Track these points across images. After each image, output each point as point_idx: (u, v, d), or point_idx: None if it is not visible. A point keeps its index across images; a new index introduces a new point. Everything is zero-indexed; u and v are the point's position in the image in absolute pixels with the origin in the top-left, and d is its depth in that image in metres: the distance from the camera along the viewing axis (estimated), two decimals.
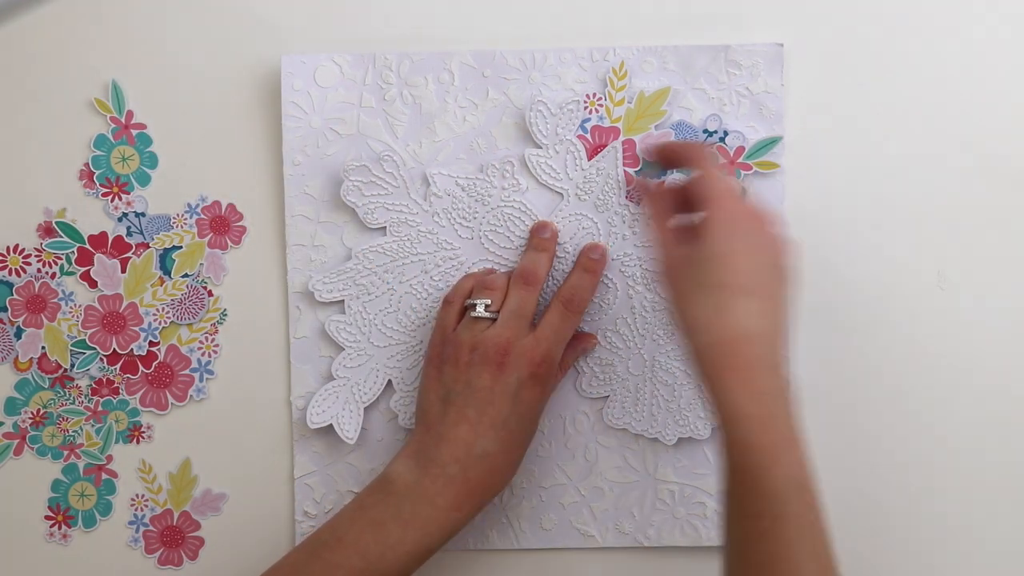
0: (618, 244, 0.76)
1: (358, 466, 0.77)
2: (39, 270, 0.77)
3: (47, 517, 0.78)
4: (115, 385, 0.77)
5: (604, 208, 0.76)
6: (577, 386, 0.76)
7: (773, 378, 0.62)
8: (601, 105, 0.76)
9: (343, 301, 0.76)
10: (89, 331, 0.77)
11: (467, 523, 0.69)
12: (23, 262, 0.77)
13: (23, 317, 0.77)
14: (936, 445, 0.77)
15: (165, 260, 0.77)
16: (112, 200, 0.77)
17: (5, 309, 0.77)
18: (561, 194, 0.76)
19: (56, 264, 0.77)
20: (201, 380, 0.77)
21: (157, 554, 0.78)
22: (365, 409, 0.76)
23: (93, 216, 0.77)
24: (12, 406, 0.78)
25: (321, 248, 0.76)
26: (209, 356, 0.78)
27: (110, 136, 0.77)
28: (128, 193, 0.77)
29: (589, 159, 0.76)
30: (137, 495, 0.78)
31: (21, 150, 0.77)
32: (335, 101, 0.76)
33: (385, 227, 0.76)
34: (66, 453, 0.78)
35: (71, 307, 0.77)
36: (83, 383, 0.77)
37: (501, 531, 0.77)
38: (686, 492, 0.76)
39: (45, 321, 0.77)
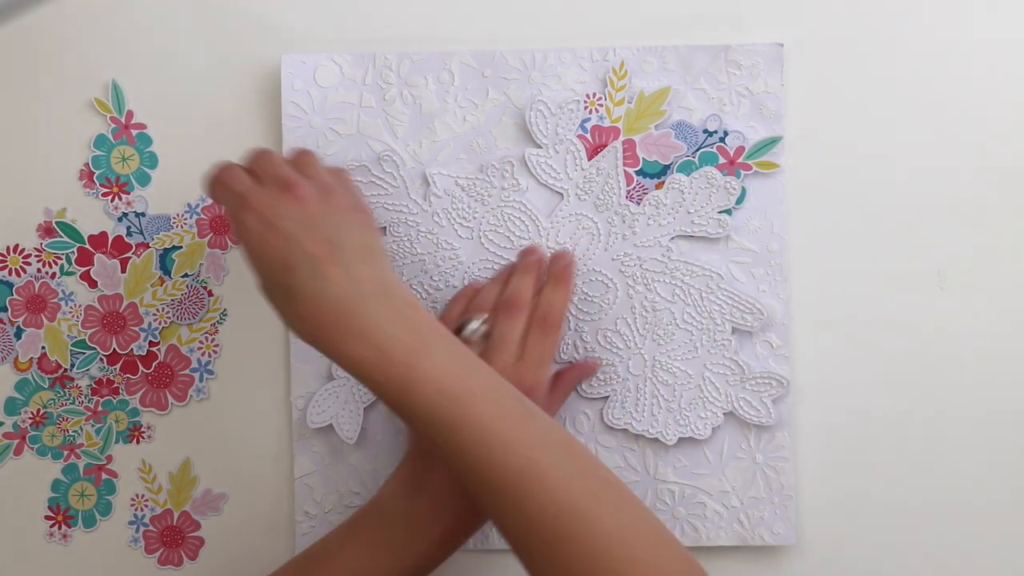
0: (618, 244, 0.76)
1: (358, 466, 0.77)
2: (39, 270, 0.77)
3: (47, 517, 0.78)
4: (115, 385, 0.77)
5: (604, 208, 0.76)
6: (577, 386, 0.76)
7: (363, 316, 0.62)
8: (601, 105, 0.76)
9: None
10: (89, 331, 0.77)
11: (460, 547, 0.68)
12: (23, 262, 0.77)
13: (23, 317, 0.77)
14: (936, 445, 0.77)
15: (165, 260, 0.77)
16: (112, 200, 0.77)
17: (5, 309, 0.77)
18: (561, 194, 0.76)
19: (56, 264, 0.77)
20: (201, 380, 0.77)
21: (157, 554, 0.78)
22: (365, 409, 0.76)
23: (93, 216, 0.77)
24: (12, 406, 0.78)
25: None
26: (209, 356, 0.78)
27: (110, 136, 0.77)
28: (128, 193, 0.77)
29: (589, 159, 0.76)
30: (137, 495, 0.78)
31: (21, 150, 0.77)
32: (335, 101, 0.76)
33: (385, 227, 0.76)
34: (66, 453, 0.78)
35: (71, 307, 0.77)
36: (83, 383, 0.77)
37: None
38: (686, 492, 0.76)
39: (45, 321, 0.77)
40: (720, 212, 0.75)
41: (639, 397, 0.76)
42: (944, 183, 0.76)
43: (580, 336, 0.76)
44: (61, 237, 0.77)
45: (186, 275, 0.77)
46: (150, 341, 0.77)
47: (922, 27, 0.77)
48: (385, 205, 0.76)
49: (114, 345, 0.77)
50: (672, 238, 0.76)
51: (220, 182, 0.66)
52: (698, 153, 0.76)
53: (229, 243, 0.77)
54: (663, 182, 0.76)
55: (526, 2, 0.77)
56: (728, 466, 0.76)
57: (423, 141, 0.76)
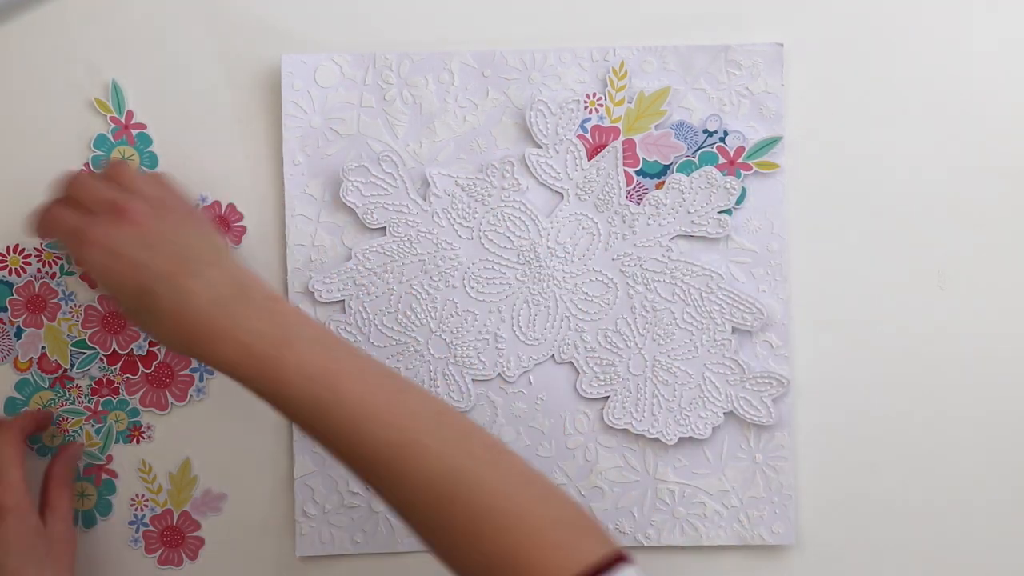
0: (618, 244, 0.76)
1: None
2: (39, 270, 0.77)
3: None
4: (115, 385, 0.77)
5: (604, 208, 0.76)
6: (577, 386, 0.76)
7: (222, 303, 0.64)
8: (601, 105, 0.76)
9: (343, 301, 0.76)
10: (89, 331, 0.77)
11: None
12: (23, 262, 0.77)
13: (23, 317, 0.77)
14: (936, 445, 0.77)
15: None
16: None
17: (5, 309, 0.77)
18: (561, 194, 0.76)
19: (56, 264, 0.77)
20: (201, 380, 0.77)
21: (157, 554, 0.78)
22: None
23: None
24: (12, 406, 0.78)
25: (321, 248, 0.76)
26: None
27: (110, 136, 0.77)
28: None
29: (589, 159, 0.76)
30: (137, 495, 0.78)
31: (21, 150, 0.77)
32: (335, 101, 0.76)
33: (385, 227, 0.76)
34: None
35: (71, 307, 0.77)
36: (83, 383, 0.77)
37: None
38: (686, 492, 0.76)
39: (45, 321, 0.77)
40: (720, 212, 0.75)
41: (639, 397, 0.76)
42: (944, 183, 0.76)
43: (580, 336, 0.76)
44: None
45: None
46: (150, 341, 0.77)
47: (922, 27, 0.77)
48: (385, 205, 0.76)
49: (114, 345, 0.77)
50: (672, 238, 0.76)
51: (48, 222, 0.67)
52: (698, 153, 0.76)
53: (229, 243, 0.77)
54: (663, 182, 0.76)
55: (526, 2, 0.77)
56: (728, 466, 0.76)
57: (423, 141, 0.76)
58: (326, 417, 0.62)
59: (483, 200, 0.76)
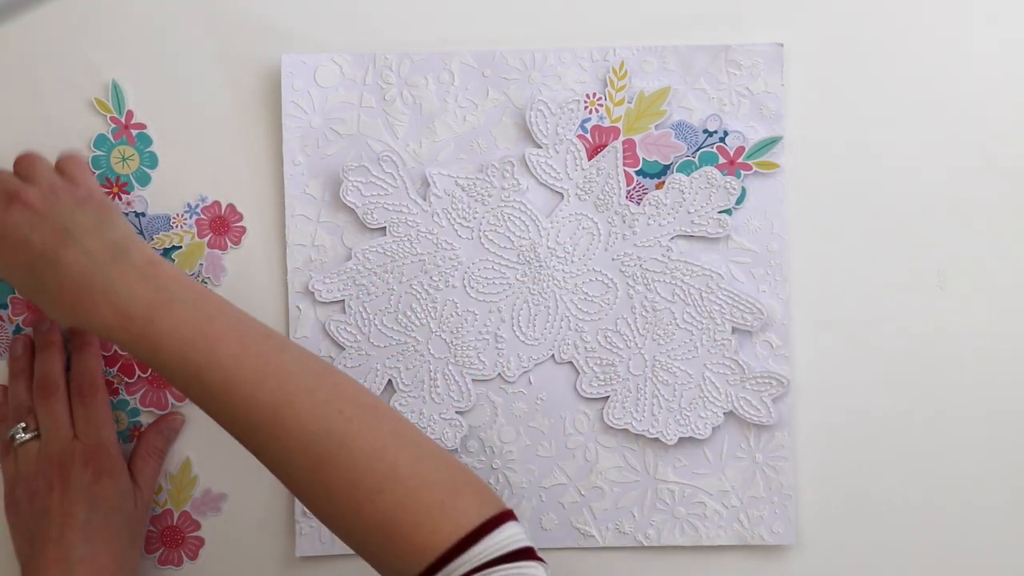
0: (618, 244, 0.76)
1: None
2: None
3: None
4: (115, 385, 0.77)
5: (604, 208, 0.76)
6: (577, 386, 0.76)
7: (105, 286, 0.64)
8: (601, 105, 0.76)
9: (343, 301, 0.76)
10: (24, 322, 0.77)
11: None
12: None
13: (23, 316, 0.77)
14: (936, 445, 0.77)
15: None
16: (112, 200, 0.77)
17: (5, 307, 0.77)
18: (561, 194, 0.76)
19: None
20: None
21: (157, 554, 0.78)
22: None
23: None
24: None
25: (321, 248, 0.76)
26: None
27: (110, 136, 0.77)
28: (128, 193, 0.77)
29: (589, 159, 0.76)
30: None
31: (21, 150, 0.77)
32: (335, 101, 0.76)
33: (385, 227, 0.76)
34: None
35: None
36: None
37: None
38: (686, 492, 0.76)
39: None
40: (720, 212, 0.76)
41: (639, 397, 0.76)
42: (944, 183, 0.76)
43: (580, 336, 0.76)
44: None
45: None
46: None
47: (922, 27, 0.77)
48: (385, 205, 0.76)
49: (114, 346, 0.77)
50: (672, 238, 0.76)
51: None
52: (698, 153, 0.76)
53: (229, 243, 0.77)
54: (663, 182, 0.76)
55: (526, 2, 0.77)
56: (728, 466, 0.76)
57: (423, 141, 0.76)
58: (200, 379, 0.63)
59: (483, 200, 0.76)
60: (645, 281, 0.76)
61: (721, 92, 0.76)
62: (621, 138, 0.76)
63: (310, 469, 0.62)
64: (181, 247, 0.77)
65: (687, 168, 0.76)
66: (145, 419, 0.77)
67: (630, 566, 0.77)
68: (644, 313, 0.76)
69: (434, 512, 0.61)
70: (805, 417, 0.76)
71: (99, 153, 0.77)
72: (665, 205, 0.76)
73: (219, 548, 0.78)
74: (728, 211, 0.76)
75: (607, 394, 0.76)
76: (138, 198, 0.77)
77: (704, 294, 0.76)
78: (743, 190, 0.76)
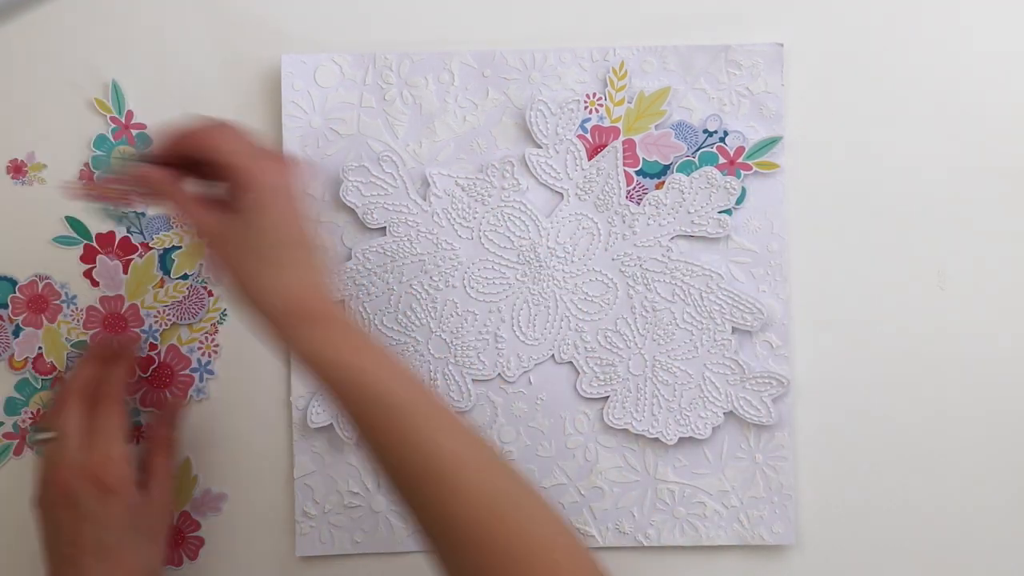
0: (618, 244, 0.76)
1: (358, 466, 0.77)
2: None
3: None
4: None
5: (604, 208, 0.76)
6: (577, 386, 0.76)
7: (336, 311, 0.63)
8: (601, 105, 0.76)
9: (343, 301, 0.76)
10: (91, 332, 0.77)
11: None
12: None
13: (23, 316, 0.77)
14: (936, 445, 0.77)
15: (165, 260, 0.77)
16: None
17: (6, 306, 0.77)
18: (561, 194, 0.76)
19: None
20: (201, 380, 0.77)
21: None
22: None
23: (93, 216, 0.77)
24: (12, 406, 0.78)
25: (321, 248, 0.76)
26: (209, 356, 0.78)
27: (110, 136, 0.77)
28: None
29: (589, 159, 0.76)
30: None
31: (21, 150, 0.77)
32: (335, 101, 0.76)
33: (385, 227, 0.76)
34: None
35: (72, 310, 0.77)
36: None
37: None
38: (686, 492, 0.76)
39: (45, 322, 0.77)
40: (720, 212, 0.76)
41: (639, 397, 0.76)
42: (944, 183, 0.76)
43: (580, 336, 0.76)
44: (69, 233, 0.77)
45: (185, 275, 0.77)
46: (150, 344, 0.77)
47: (922, 27, 0.77)
48: (385, 205, 0.76)
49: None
50: (672, 238, 0.76)
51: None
52: (698, 153, 0.76)
53: None
54: (663, 182, 0.76)
55: (526, 2, 0.77)
56: (728, 466, 0.76)
57: (423, 141, 0.76)
58: (389, 420, 0.62)
59: (483, 200, 0.76)
60: (645, 281, 0.76)
61: (721, 92, 0.76)
62: (621, 138, 0.76)
63: (478, 526, 0.60)
64: (181, 247, 0.77)
65: (687, 168, 0.76)
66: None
67: (630, 566, 0.77)
68: (644, 313, 0.76)
69: None
70: (805, 417, 0.77)
71: (99, 153, 0.77)
72: (665, 205, 0.76)
73: (219, 548, 0.78)
74: (728, 211, 0.76)
75: (607, 394, 0.76)
76: None
77: (704, 294, 0.76)
78: (743, 190, 0.76)
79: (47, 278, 0.77)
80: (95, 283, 0.77)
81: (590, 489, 0.77)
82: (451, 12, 0.77)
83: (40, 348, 0.77)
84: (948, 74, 0.77)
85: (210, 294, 0.77)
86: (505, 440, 0.76)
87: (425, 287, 0.76)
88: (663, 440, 0.76)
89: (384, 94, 0.76)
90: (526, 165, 0.76)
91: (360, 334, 0.63)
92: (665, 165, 0.76)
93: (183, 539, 0.78)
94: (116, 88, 0.77)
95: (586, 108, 0.76)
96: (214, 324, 0.78)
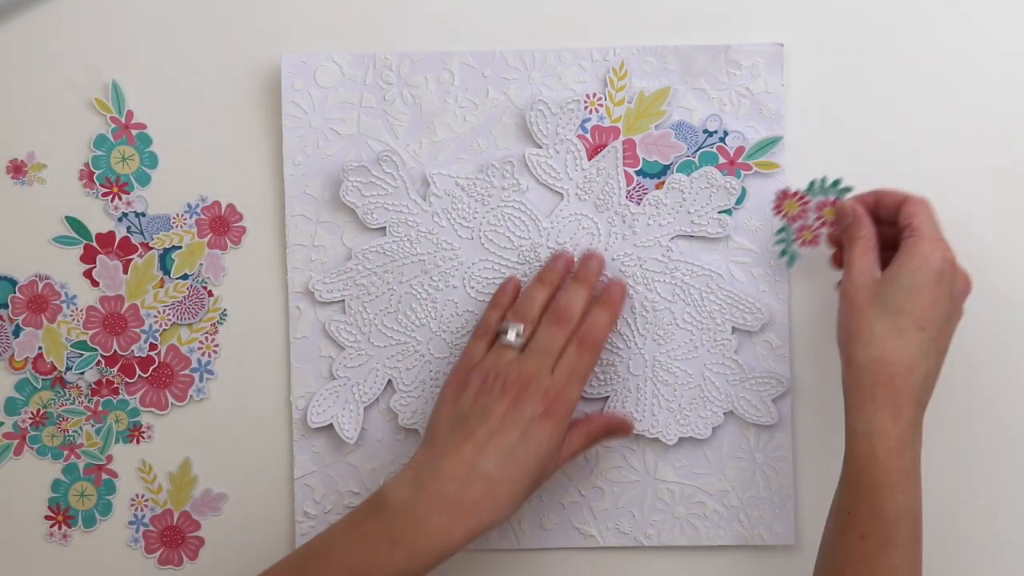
0: (618, 244, 0.76)
1: (358, 466, 0.77)
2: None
3: (47, 517, 0.78)
4: (115, 385, 0.77)
5: (604, 208, 0.76)
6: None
7: (917, 411, 0.67)
8: (601, 105, 0.76)
9: (343, 301, 0.76)
10: (91, 332, 0.77)
11: (458, 549, 0.67)
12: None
13: (23, 316, 0.77)
14: (936, 445, 0.76)
15: (165, 260, 0.77)
16: (112, 200, 0.77)
17: (6, 306, 0.77)
18: (561, 194, 0.76)
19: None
20: (201, 380, 0.77)
21: (157, 554, 0.78)
22: (365, 409, 0.76)
23: (95, 216, 0.77)
24: (12, 406, 0.78)
25: (321, 248, 0.76)
26: (209, 356, 0.78)
27: (110, 136, 0.77)
28: (128, 193, 0.77)
29: (589, 159, 0.76)
30: (137, 495, 0.78)
31: (22, 150, 0.77)
32: (335, 101, 0.76)
33: (385, 227, 0.76)
34: (66, 453, 0.78)
35: (72, 310, 0.77)
36: (83, 383, 0.77)
37: (501, 531, 0.77)
38: (686, 492, 0.76)
39: (45, 322, 0.77)
40: (720, 212, 0.76)
41: (639, 397, 0.76)
42: (944, 183, 0.76)
43: None
44: (69, 233, 0.77)
45: (185, 275, 0.77)
46: (150, 344, 0.77)
47: (922, 27, 0.77)
48: (385, 205, 0.76)
49: (115, 347, 0.77)
50: (672, 238, 0.76)
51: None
52: (698, 153, 0.76)
53: (229, 243, 0.77)
54: (663, 182, 0.76)
55: (526, 2, 0.77)
56: (728, 466, 0.76)
57: (423, 141, 0.76)
58: (876, 544, 0.66)
59: (483, 200, 0.76)
60: (645, 281, 0.76)
61: (721, 92, 0.76)
62: (621, 138, 0.76)
63: None
64: (181, 247, 0.77)
65: (687, 168, 0.76)
66: (145, 419, 0.77)
67: (630, 566, 0.77)
68: (644, 313, 0.76)
69: None
70: (805, 417, 0.76)
71: (99, 153, 0.77)
72: (665, 205, 0.76)
73: (219, 548, 0.78)
74: (728, 211, 0.76)
75: (607, 394, 0.76)
76: (138, 198, 0.77)
77: (704, 294, 0.76)
78: (743, 190, 0.76)
79: (47, 278, 0.77)
80: (95, 283, 0.77)
81: (590, 489, 0.77)
82: (451, 12, 0.77)
83: (40, 348, 0.77)
84: (948, 74, 0.77)
85: (210, 294, 0.77)
86: None
87: (425, 287, 0.76)
88: (663, 440, 0.76)
89: (384, 94, 0.76)
90: (526, 165, 0.76)
91: (914, 437, 0.67)
92: (665, 165, 0.76)
93: (183, 539, 0.78)
94: (116, 88, 0.77)
95: (586, 108, 0.76)
96: (214, 324, 0.78)
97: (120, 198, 0.77)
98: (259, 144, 0.77)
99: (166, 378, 0.77)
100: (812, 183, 0.75)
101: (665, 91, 0.76)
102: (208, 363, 0.78)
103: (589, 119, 0.76)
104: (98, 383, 0.77)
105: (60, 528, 0.78)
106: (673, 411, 0.76)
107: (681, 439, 0.76)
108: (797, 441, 0.76)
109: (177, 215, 0.77)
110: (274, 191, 0.77)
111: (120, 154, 0.77)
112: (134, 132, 0.77)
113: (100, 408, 0.77)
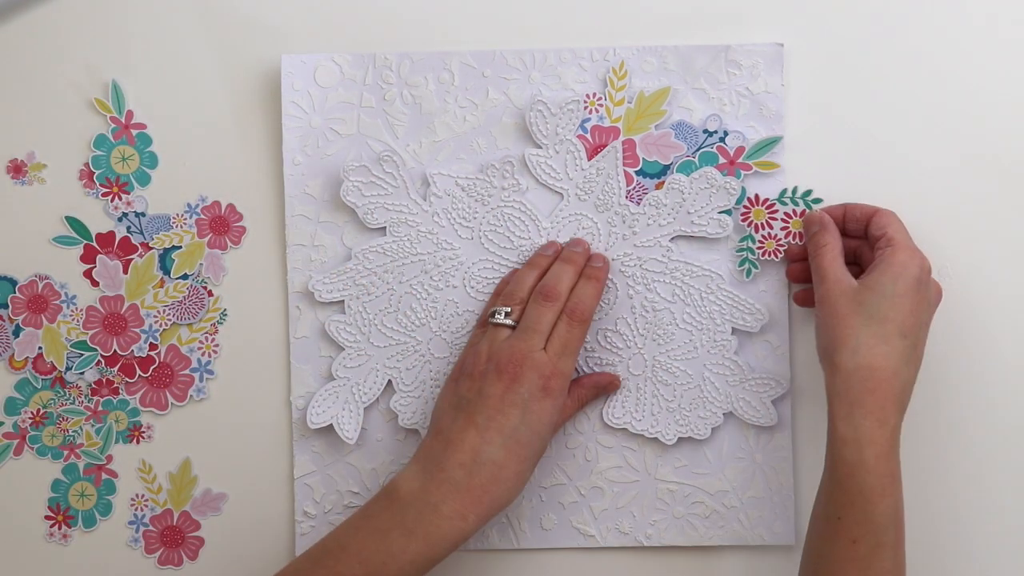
0: (618, 244, 0.76)
1: (358, 466, 0.77)
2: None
3: (47, 517, 0.78)
4: (115, 385, 0.77)
5: (604, 208, 0.76)
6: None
7: (899, 417, 0.68)
8: (601, 105, 0.76)
9: (343, 301, 0.76)
10: (91, 332, 0.77)
11: (472, 534, 0.68)
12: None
13: (23, 316, 0.77)
14: (935, 445, 0.77)
15: (165, 260, 0.77)
16: (112, 200, 0.77)
17: (6, 306, 0.77)
18: (561, 194, 0.76)
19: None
20: (201, 380, 0.78)
21: (157, 554, 0.78)
22: (365, 409, 0.76)
23: (95, 217, 0.77)
24: (12, 406, 0.78)
25: (321, 248, 0.76)
26: (209, 356, 0.78)
27: (110, 136, 0.77)
28: (128, 193, 0.77)
29: (589, 159, 0.76)
30: (137, 495, 0.78)
31: (22, 150, 0.77)
32: (335, 101, 0.76)
33: (385, 227, 0.76)
34: (66, 453, 0.78)
35: (72, 310, 0.77)
36: (82, 384, 0.77)
37: (501, 531, 0.77)
38: (686, 492, 0.76)
39: (45, 322, 0.77)
40: (720, 212, 0.75)
41: (639, 397, 0.76)
42: (944, 182, 0.76)
43: None
44: (69, 233, 0.77)
45: (185, 275, 0.77)
46: (150, 344, 0.77)
47: (922, 27, 0.77)
48: (385, 205, 0.76)
49: (115, 347, 0.77)
50: (672, 238, 0.76)
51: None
52: (698, 153, 0.76)
53: (229, 243, 0.78)
54: (663, 182, 0.76)
55: (526, 2, 0.77)
56: (728, 466, 0.76)
57: (423, 141, 0.76)
58: (867, 548, 0.66)
59: (483, 200, 0.76)
60: (645, 281, 0.76)
61: (721, 92, 0.76)
62: (621, 138, 0.76)
63: None
64: (181, 247, 0.77)
65: (687, 168, 0.76)
66: (145, 419, 0.77)
67: (630, 566, 0.77)
68: (644, 313, 0.76)
69: None
70: (805, 417, 0.76)
71: (99, 153, 0.77)
72: (665, 205, 0.76)
73: (219, 548, 0.78)
74: (728, 211, 0.76)
75: (607, 394, 0.76)
76: (138, 198, 0.77)
77: (704, 295, 0.76)
78: (743, 190, 0.76)
79: (47, 278, 0.77)
80: (95, 283, 0.77)
81: (590, 489, 0.77)
82: (451, 12, 0.77)
83: (40, 348, 0.77)
84: (948, 74, 0.76)
85: (210, 294, 0.77)
86: None
87: (425, 287, 0.76)
88: (662, 440, 0.76)
89: (384, 94, 0.76)
90: (526, 165, 0.76)
91: (896, 443, 0.68)
92: (665, 165, 0.76)
93: (183, 539, 0.78)
94: (116, 88, 0.77)
95: (586, 108, 0.76)
96: (214, 324, 0.78)
97: (120, 198, 0.77)
98: (259, 144, 0.77)
99: (166, 378, 0.77)
100: (783, 192, 0.75)
101: (665, 91, 0.76)
102: (208, 363, 0.78)
103: (589, 119, 0.76)
104: (98, 383, 0.77)
105: (60, 528, 0.78)
106: (673, 411, 0.76)
107: (681, 439, 0.76)
108: (797, 441, 0.76)
109: (177, 215, 0.77)
110: (274, 191, 0.77)
111: (120, 154, 0.77)
112: (134, 132, 0.77)
113: (100, 408, 0.78)
